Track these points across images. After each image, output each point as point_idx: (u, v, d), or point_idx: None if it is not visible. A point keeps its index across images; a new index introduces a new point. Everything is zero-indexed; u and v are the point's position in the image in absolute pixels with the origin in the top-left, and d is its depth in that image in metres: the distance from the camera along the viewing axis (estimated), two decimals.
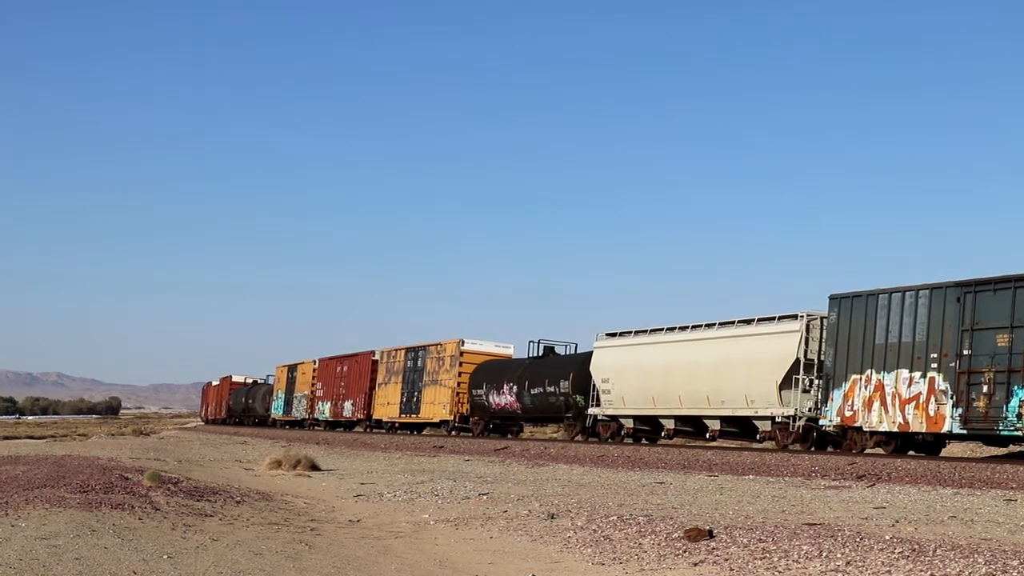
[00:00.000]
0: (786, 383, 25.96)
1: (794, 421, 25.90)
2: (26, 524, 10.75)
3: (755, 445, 29.20)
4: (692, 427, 30.20)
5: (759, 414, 26.95)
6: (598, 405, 32.62)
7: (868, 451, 23.99)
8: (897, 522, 11.95)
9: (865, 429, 23.99)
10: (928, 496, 15.24)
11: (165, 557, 9.59)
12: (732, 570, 9.57)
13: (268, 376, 72.52)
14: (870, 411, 23.72)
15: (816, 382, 25.71)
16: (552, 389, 35.15)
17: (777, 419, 26.37)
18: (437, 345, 43.67)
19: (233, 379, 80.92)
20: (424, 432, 44.92)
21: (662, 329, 31.10)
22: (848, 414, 24.28)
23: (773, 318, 27.06)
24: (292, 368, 63.40)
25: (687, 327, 30.09)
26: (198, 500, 14.71)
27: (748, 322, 27.88)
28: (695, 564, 9.96)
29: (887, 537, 10.25)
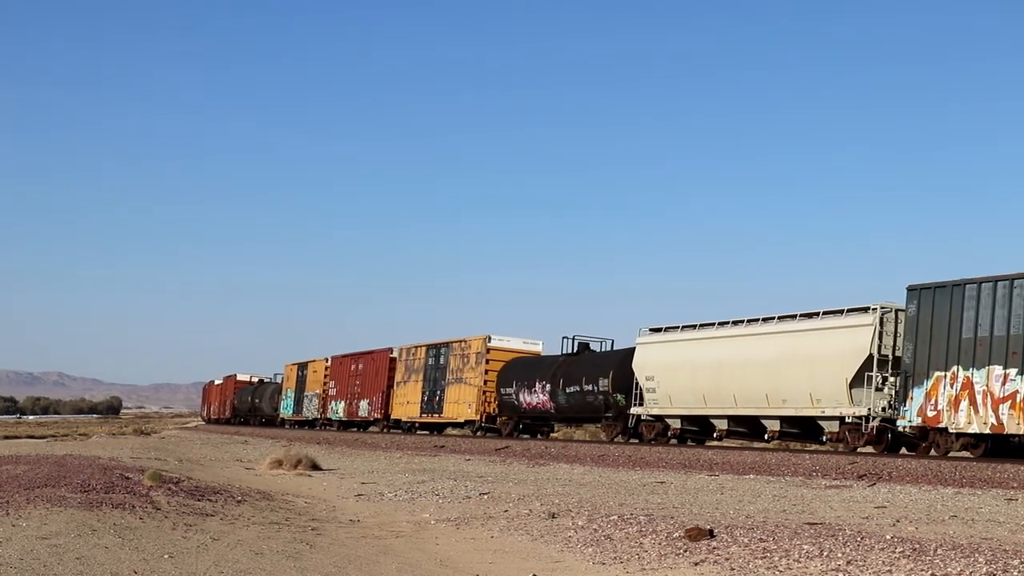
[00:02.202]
0: (857, 381, 24.17)
1: (867, 422, 24.00)
2: (27, 524, 10.75)
3: (757, 444, 29.00)
4: (746, 428, 28.45)
5: (826, 414, 25.11)
6: (641, 404, 30.87)
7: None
8: (898, 521, 11.95)
9: (951, 431, 22.14)
10: (929, 495, 15.25)
11: (166, 556, 9.60)
12: (733, 569, 9.58)
13: (276, 375, 70.65)
14: (957, 411, 21.79)
15: (891, 380, 23.89)
16: (590, 387, 33.25)
17: (847, 419, 24.52)
18: (461, 342, 41.67)
19: (238, 378, 79.10)
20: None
21: (713, 324, 29.35)
22: (931, 414, 22.40)
23: (841, 311, 25.31)
24: (303, 366, 61.14)
25: (742, 321, 28.37)
26: (199, 500, 14.71)
27: (811, 315, 26.17)
28: (696, 564, 9.96)
29: (888, 536, 10.26)
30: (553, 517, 13.45)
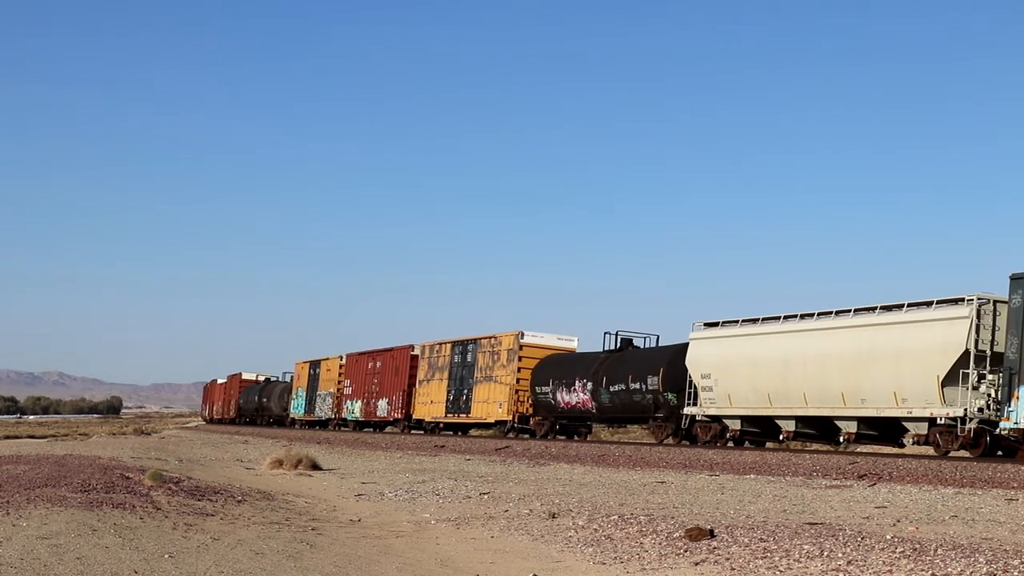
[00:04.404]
0: (950, 379, 22.06)
1: (962, 423, 21.84)
2: (27, 523, 10.75)
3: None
4: (816, 429, 26.35)
5: (913, 415, 22.96)
6: (695, 404, 28.69)
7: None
8: (898, 521, 11.94)
9: None
10: (929, 495, 15.24)
11: (166, 556, 9.59)
12: (733, 569, 9.57)
13: (285, 373, 68.33)
14: None
15: (990, 378, 21.76)
16: (637, 386, 30.98)
17: (939, 421, 22.35)
18: (490, 338, 39.63)
19: (243, 376, 77.00)
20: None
21: (778, 317, 27.18)
22: None
23: (930, 303, 23.24)
24: (315, 364, 58.54)
25: (811, 314, 26.22)
26: (199, 499, 14.71)
27: (893, 308, 24.11)
28: (696, 563, 9.96)
29: (888, 536, 10.25)
30: (553, 517, 13.45)
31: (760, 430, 27.89)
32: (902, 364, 23.13)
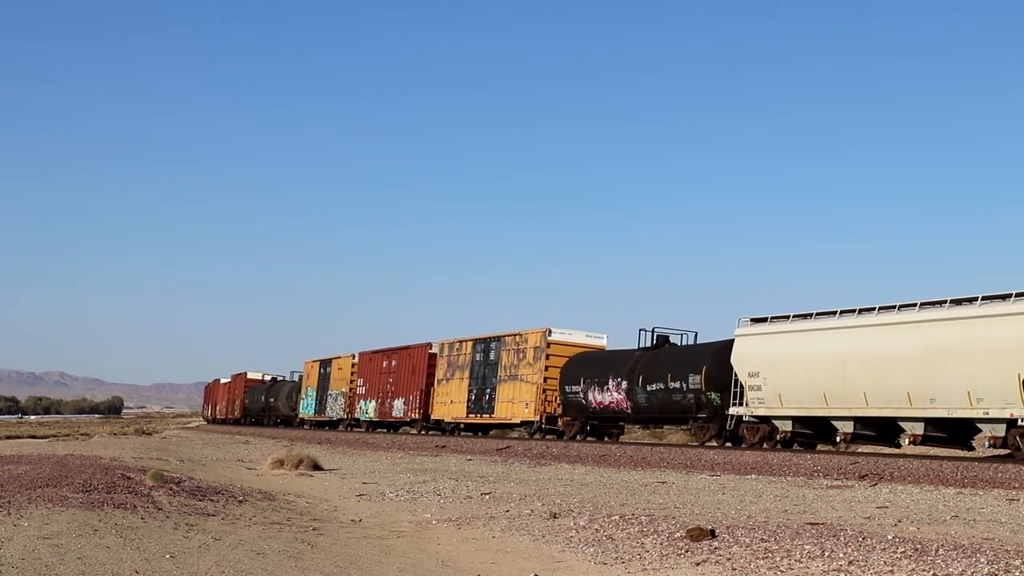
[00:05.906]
0: None
1: None
2: (29, 524, 10.76)
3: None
4: (876, 431, 24.99)
5: (990, 416, 21.56)
6: (742, 404, 27.21)
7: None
8: (900, 522, 11.94)
9: None
10: (930, 496, 15.24)
11: (167, 556, 9.60)
12: (734, 570, 9.57)
13: (294, 372, 67.36)
14: None
15: None
16: (677, 385, 29.68)
17: (1020, 422, 21.04)
18: (515, 335, 38.46)
19: (248, 376, 76.13)
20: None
21: (835, 312, 25.67)
22: None
23: (1006, 296, 21.82)
24: (325, 363, 57.27)
25: (871, 309, 24.74)
26: (200, 500, 14.72)
27: (963, 301, 22.73)
28: (697, 564, 9.95)
29: (889, 537, 10.25)
30: (555, 517, 13.44)
31: (813, 431, 26.52)
32: (977, 361, 21.74)
